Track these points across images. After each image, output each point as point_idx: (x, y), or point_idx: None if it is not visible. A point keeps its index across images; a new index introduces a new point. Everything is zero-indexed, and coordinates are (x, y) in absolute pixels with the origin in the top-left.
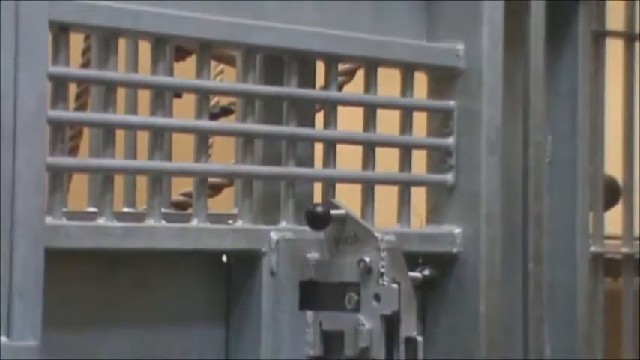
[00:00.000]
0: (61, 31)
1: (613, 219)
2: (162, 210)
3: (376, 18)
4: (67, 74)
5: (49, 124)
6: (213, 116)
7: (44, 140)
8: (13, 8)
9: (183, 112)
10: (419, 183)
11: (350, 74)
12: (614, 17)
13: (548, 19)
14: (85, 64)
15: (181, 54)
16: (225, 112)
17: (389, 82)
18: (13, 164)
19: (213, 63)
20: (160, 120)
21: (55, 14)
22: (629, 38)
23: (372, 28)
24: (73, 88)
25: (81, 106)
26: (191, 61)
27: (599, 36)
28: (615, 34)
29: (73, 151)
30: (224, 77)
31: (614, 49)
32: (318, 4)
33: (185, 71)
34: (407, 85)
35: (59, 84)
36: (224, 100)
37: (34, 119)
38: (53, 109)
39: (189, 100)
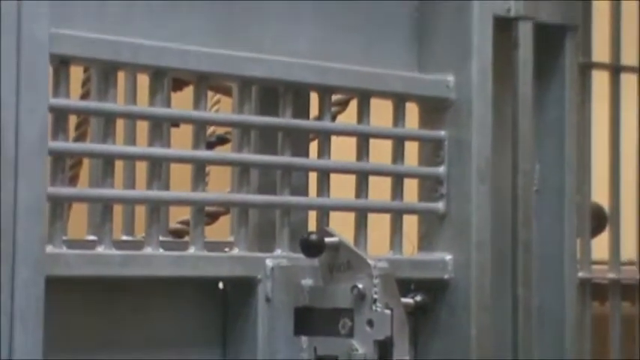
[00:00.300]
0: (61, 64)
1: (600, 245)
2: (160, 238)
3: (369, 50)
4: (67, 106)
5: (50, 154)
6: (210, 145)
7: (45, 170)
8: (15, 41)
9: (181, 138)
10: (410, 211)
11: (343, 104)
12: (600, 49)
13: (536, 51)
14: (85, 95)
15: (178, 84)
16: (222, 141)
17: (382, 112)
18: (15, 194)
19: (210, 93)
20: (157, 150)
21: (56, 48)
22: (614, 70)
23: (364, 60)
24: (73, 118)
25: (81, 136)
26: (188, 91)
27: (586, 68)
28: (601, 66)
29: (73, 180)
30: (220, 107)
31: (600, 81)
32: (313, 37)
33: (182, 100)
34: (399, 115)
35: (60, 115)
36: (220, 130)
37: (35, 150)
38: (54, 140)
39: (186, 128)
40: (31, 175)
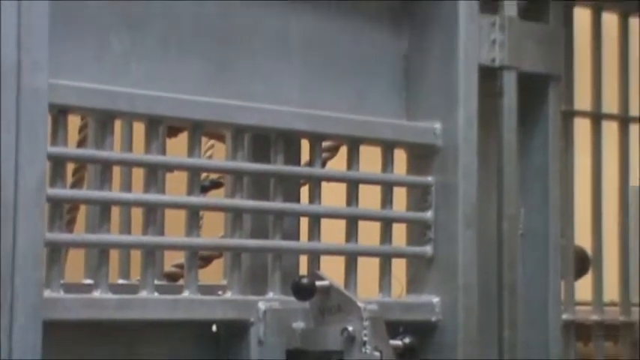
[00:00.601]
0: (60, 113)
1: (583, 286)
2: (155, 281)
3: (358, 98)
4: (65, 154)
5: (48, 201)
6: (204, 189)
7: (43, 217)
8: (15, 92)
9: (176, 181)
10: (399, 255)
11: (333, 150)
12: (582, 98)
13: (520, 99)
14: (82, 140)
15: (174, 130)
16: (215, 185)
17: (371, 155)
18: (14, 239)
19: (203, 138)
20: (153, 197)
21: (55, 98)
22: (596, 118)
23: (354, 108)
24: (71, 163)
25: (78, 181)
26: (183, 137)
27: (568, 115)
28: (583, 114)
29: (70, 223)
30: (214, 151)
31: (582, 128)
32: (304, 86)
33: (176, 145)
34: (387, 161)
35: (58, 163)
36: (214, 174)
37: (33, 197)
38: (52, 187)
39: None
40: (29, 222)
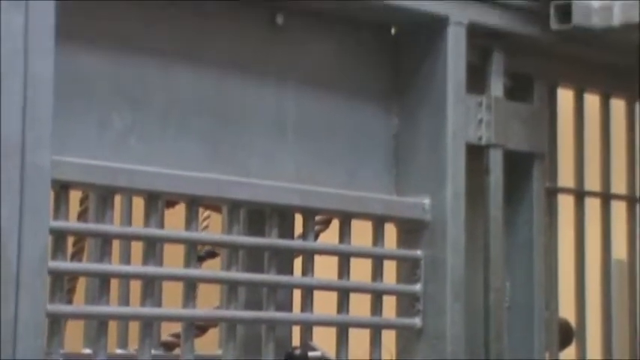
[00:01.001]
0: (62, 188)
1: (567, 357)
2: (152, 351)
3: (350, 174)
4: (67, 229)
5: (50, 274)
6: (200, 258)
7: (45, 289)
8: (19, 168)
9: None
10: (389, 326)
11: (326, 223)
12: (566, 175)
13: (506, 176)
14: (83, 212)
15: (171, 202)
16: (211, 254)
17: (363, 226)
18: (16, 310)
19: (200, 209)
20: (151, 269)
21: (58, 174)
22: (579, 195)
23: (346, 184)
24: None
25: (78, 251)
26: (180, 207)
27: (552, 192)
28: (567, 191)
29: (70, 292)
30: (210, 222)
31: (566, 204)
32: (297, 162)
33: (173, 216)
34: (378, 235)
35: (59, 237)
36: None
37: (35, 270)
38: (53, 259)
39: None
40: (31, 293)
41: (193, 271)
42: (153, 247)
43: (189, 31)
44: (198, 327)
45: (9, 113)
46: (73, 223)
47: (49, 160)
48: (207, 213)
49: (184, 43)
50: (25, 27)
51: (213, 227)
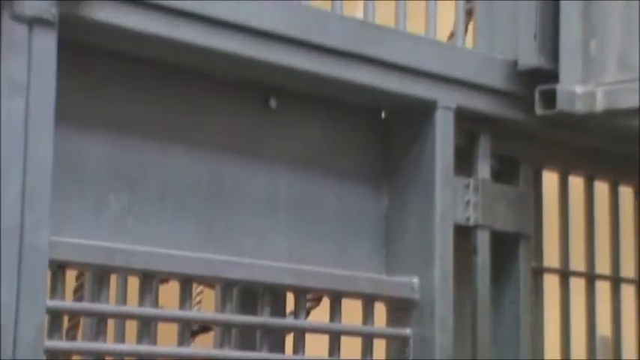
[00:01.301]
0: (59, 268)
1: None
2: None
3: (341, 254)
4: (63, 308)
5: (45, 353)
6: (193, 333)
7: None
8: (17, 249)
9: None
10: None
11: (317, 300)
12: (551, 255)
13: (493, 256)
14: (79, 288)
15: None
16: (204, 329)
17: (352, 306)
18: None
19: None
20: (145, 347)
21: (55, 254)
22: (564, 274)
23: (337, 263)
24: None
25: (73, 327)
26: (173, 284)
27: (538, 272)
28: (552, 271)
29: None
30: (203, 297)
31: (551, 283)
32: (290, 241)
33: (166, 290)
34: (368, 314)
35: (55, 316)
36: None
37: (31, 350)
38: (50, 338)
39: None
40: None
41: (187, 350)
42: (147, 326)
43: (185, 114)
44: None
45: (9, 196)
46: (69, 302)
47: (47, 241)
48: (200, 288)
49: (180, 126)
50: (26, 112)
51: (206, 302)
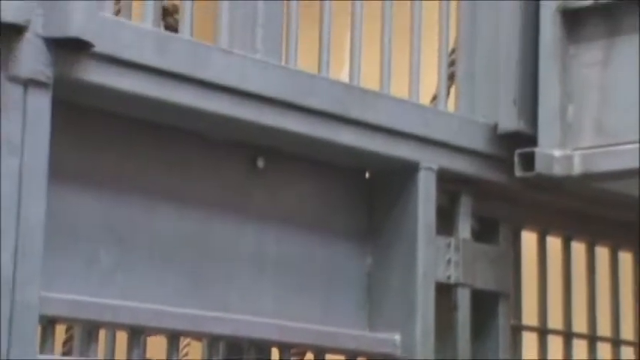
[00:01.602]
0: (49, 323)
1: None
2: None
3: (325, 310)
4: None
5: None
6: None
7: None
8: (9, 305)
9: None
10: None
11: (301, 354)
12: (529, 313)
13: (473, 313)
14: (68, 340)
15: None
16: None
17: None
18: None
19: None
20: None
21: (45, 309)
22: (542, 332)
23: (321, 319)
24: None
25: None
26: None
27: (517, 329)
28: (530, 328)
29: None
30: (190, 350)
31: (529, 341)
32: (275, 298)
33: (155, 342)
34: None
35: None
36: None
37: None
38: None
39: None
40: None
41: None
42: None
43: (175, 172)
44: None
45: (1, 253)
46: (58, 356)
47: (38, 296)
48: (187, 340)
49: (170, 184)
50: (20, 171)
51: (192, 354)
